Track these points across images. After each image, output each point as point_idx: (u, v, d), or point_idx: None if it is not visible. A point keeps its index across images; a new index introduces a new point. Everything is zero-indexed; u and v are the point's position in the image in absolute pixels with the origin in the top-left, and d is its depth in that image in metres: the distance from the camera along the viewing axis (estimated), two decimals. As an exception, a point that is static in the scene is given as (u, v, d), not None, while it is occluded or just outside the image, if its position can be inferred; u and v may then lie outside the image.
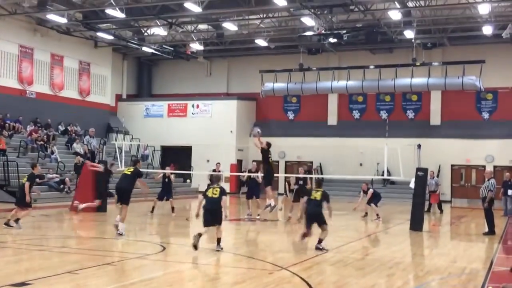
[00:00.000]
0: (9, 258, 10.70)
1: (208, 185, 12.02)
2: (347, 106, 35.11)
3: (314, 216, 12.09)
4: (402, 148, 19.04)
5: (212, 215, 11.34)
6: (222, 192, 11.49)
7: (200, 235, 11.12)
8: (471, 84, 28.37)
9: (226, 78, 37.84)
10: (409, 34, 28.77)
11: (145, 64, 38.90)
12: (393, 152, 17.94)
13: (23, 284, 8.04)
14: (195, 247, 11.00)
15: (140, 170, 14.15)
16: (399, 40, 30.05)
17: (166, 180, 19.57)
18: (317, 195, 12.23)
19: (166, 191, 19.45)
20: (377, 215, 19.21)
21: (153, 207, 19.23)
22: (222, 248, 11.36)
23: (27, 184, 14.32)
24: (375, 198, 19.63)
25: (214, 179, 11.98)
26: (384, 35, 28.94)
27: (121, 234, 13.23)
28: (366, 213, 20.21)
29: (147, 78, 39.26)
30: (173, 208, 19.19)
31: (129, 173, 13.72)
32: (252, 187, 18.91)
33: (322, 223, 12.02)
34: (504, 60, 30.92)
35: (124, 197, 13.58)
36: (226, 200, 11.58)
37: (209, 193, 11.49)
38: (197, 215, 11.81)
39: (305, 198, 13.67)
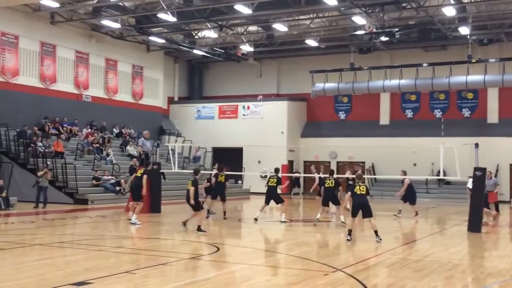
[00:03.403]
0: (68, 258, 10.98)
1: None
2: (400, 105, 34.51)
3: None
4: (458, 148, 18.48)
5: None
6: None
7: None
8: (530, 81, 27.42)
9: (277, 79, 37.84)
10: (464, 30, 28.04)
11: (196, 67, 39.33)
12: (448, 151, 17.49)
13: (83, 283, 8.22)
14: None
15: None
16: (454, 36, 29.32)
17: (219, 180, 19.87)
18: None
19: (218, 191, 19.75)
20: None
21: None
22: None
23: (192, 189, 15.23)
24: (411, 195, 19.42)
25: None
26: (437, 32, 28.29)
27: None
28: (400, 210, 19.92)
29: (198, 81, 39.68)
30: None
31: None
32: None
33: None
34: None
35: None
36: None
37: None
38: None
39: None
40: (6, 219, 17.95)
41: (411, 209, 19.63)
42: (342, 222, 16.52)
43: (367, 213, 13.25)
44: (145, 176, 16.58)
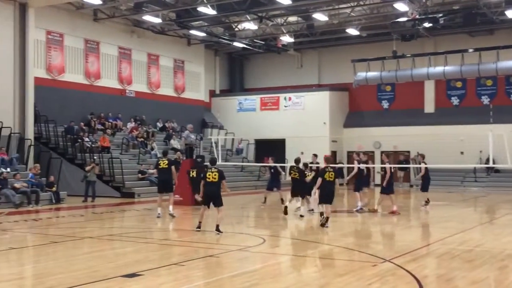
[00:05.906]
0: (118, 250, 11.18)
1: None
2: (445, 93, 33.78)
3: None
4: (508, 134, 17.99)
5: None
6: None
7: None
8: None
9: (318, 69, 37.57)
10: (511, 14, 27.16)
11: (237, 59, 39.39)
12: (498, 139, 17.03)
13: (134, 275, 8.35)
14: None
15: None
16: (501, 20, 28.46)
17: (272, 171, 20.31)
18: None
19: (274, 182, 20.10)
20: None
21: (265, 198, 20.25)
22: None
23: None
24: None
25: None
26: (483, 16, 27.48)
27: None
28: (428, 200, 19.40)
29: (239, 73, 39.76)
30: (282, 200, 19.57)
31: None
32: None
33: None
34: None
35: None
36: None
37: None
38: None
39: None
40: (57, 213, 18.43)
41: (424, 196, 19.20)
42: (309, 210, 17.17)
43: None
44: (172, 167, 15.89)
